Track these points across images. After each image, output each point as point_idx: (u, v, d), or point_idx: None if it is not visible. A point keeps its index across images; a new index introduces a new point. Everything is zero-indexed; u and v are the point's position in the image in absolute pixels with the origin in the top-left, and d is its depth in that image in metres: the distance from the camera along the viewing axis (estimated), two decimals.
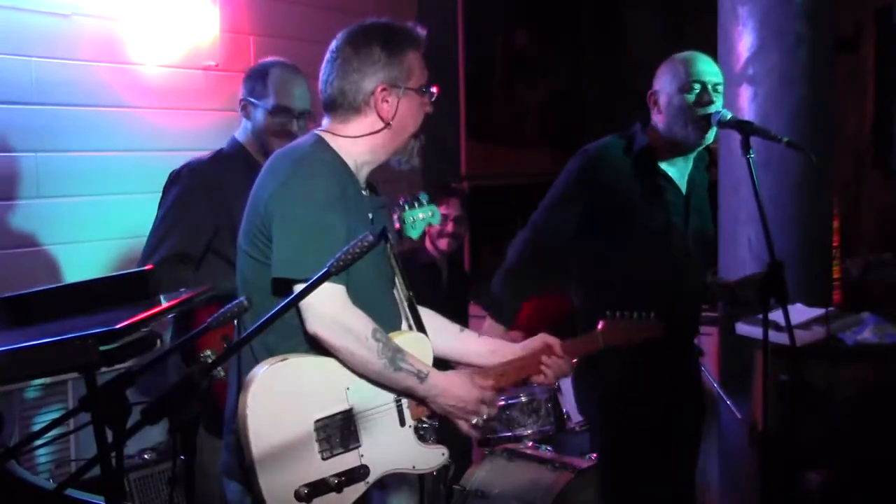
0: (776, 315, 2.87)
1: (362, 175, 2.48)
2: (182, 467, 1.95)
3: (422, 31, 2.51)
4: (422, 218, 3.26)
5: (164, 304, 2.13)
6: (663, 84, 3.11)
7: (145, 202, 3.26)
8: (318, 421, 2.28)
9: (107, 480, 1.92)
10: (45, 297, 2.14)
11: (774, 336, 2.90)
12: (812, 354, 3.18)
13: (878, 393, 3.12)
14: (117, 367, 1.90)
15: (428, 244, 4.56)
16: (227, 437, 2.42)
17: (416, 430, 2.44)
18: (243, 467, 2.24)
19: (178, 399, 1.70)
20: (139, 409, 1.70)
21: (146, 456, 3.72)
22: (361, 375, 2.33)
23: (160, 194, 3.22)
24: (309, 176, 2.33)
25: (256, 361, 2.28)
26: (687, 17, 6.56)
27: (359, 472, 2.32)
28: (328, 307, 2.24)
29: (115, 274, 2.16)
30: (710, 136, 3.07)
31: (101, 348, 1.80)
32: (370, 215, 2.46)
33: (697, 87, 3.04)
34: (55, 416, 3.41)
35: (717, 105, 3.04)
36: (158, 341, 2.04)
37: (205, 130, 3.36)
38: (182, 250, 3.05)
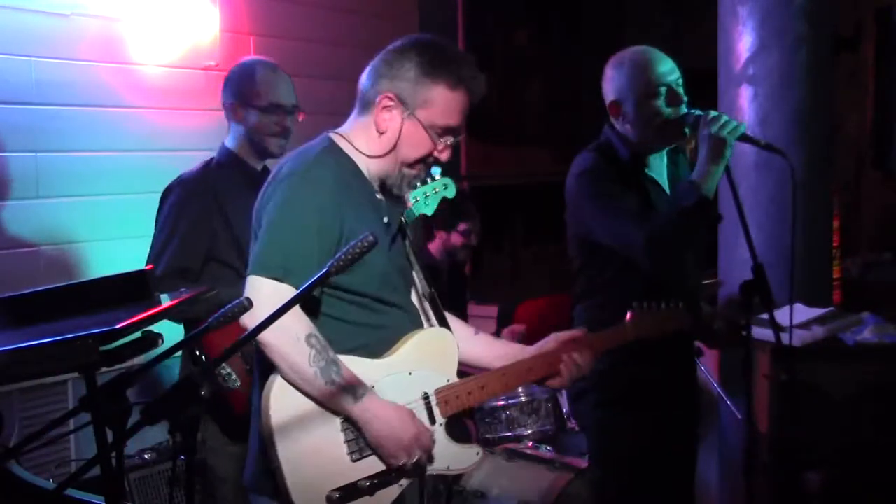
0: (776, 315, 2.86)
1: (373, 177, 2.37)
2: (182, 467, 1.95)
3: (478, 83, 2.39)
4: (436, 192, 3.04)
5: (164, 304, 2.12)
6: (624, 93, 2.97)
7: (145, 202, 3.27)
8: (344, 421, 2.20)
9: (107, 480, 1.92)
10: (45, 297, 2.13)
11: (774, 336, 2.88)
12: (812, 354, 3.18)
13: (877, 393, 3.11)
14: (117, 367, 1.90)
15: (433, 248, 4.55)
16: (252, 444, 2.30)
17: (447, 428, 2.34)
18: (270, 470, 2.16)
19: (179, 399, 1.70)
20: (139, 409, 1.70)
21: (146, 456, 3.71)
22: (301, 388, 2.18)
23: (159, 195, 3.22)
24: (298, 185, 2.24)
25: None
26: (687, 17, 6.57)
27: (391, 475, 2.23)
28: (267, 306, 1.91)
29: (115, 274, 2.15)
30: (686, 133, 2.93)
31: (101, 348, 1.80)
32: (385, 219, 2.36)
33: (663, 89, 2.90)
34: (55, 416, 3.40)
35: (685, 103, 2.91)
36: (160, 341, 2.04)
37: (205, 130, 3.36)
38: (180, 265, 3.05)
